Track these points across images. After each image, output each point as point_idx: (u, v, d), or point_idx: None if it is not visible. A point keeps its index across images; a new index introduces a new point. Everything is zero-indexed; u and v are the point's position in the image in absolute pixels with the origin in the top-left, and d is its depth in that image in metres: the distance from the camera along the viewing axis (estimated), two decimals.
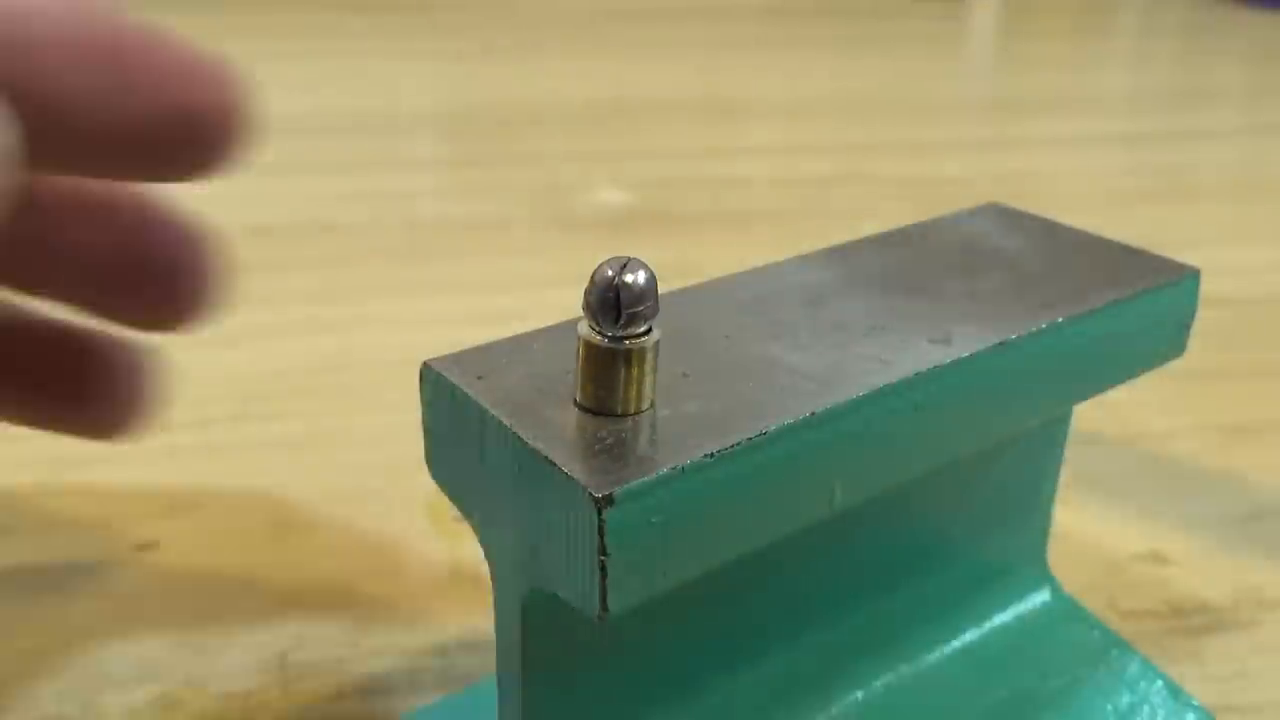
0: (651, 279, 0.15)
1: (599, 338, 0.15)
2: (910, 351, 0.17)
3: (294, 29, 0.87)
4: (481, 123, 0.66)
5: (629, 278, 0.14)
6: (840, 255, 0.20)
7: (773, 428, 0.15)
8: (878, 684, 0.21)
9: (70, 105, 0.16)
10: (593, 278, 0.15)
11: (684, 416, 0.15)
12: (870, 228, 0.22)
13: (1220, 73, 0.85)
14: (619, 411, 0.15)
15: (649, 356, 0.15)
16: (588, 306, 0.15)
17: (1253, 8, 1.00)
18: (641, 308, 0.14)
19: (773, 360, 0.17)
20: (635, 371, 0.15)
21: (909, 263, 0.20)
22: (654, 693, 0.18)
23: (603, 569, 0.13)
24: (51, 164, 0.17)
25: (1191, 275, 0.20)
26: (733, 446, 0.14)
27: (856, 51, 0.87)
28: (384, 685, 0.24)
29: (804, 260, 0.20)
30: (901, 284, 0.19)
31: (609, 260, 0.15)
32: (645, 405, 0.15)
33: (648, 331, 0.15)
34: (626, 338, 0.15)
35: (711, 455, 0.14)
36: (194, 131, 0.18)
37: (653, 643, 0.18)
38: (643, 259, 0.15)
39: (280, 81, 0.74)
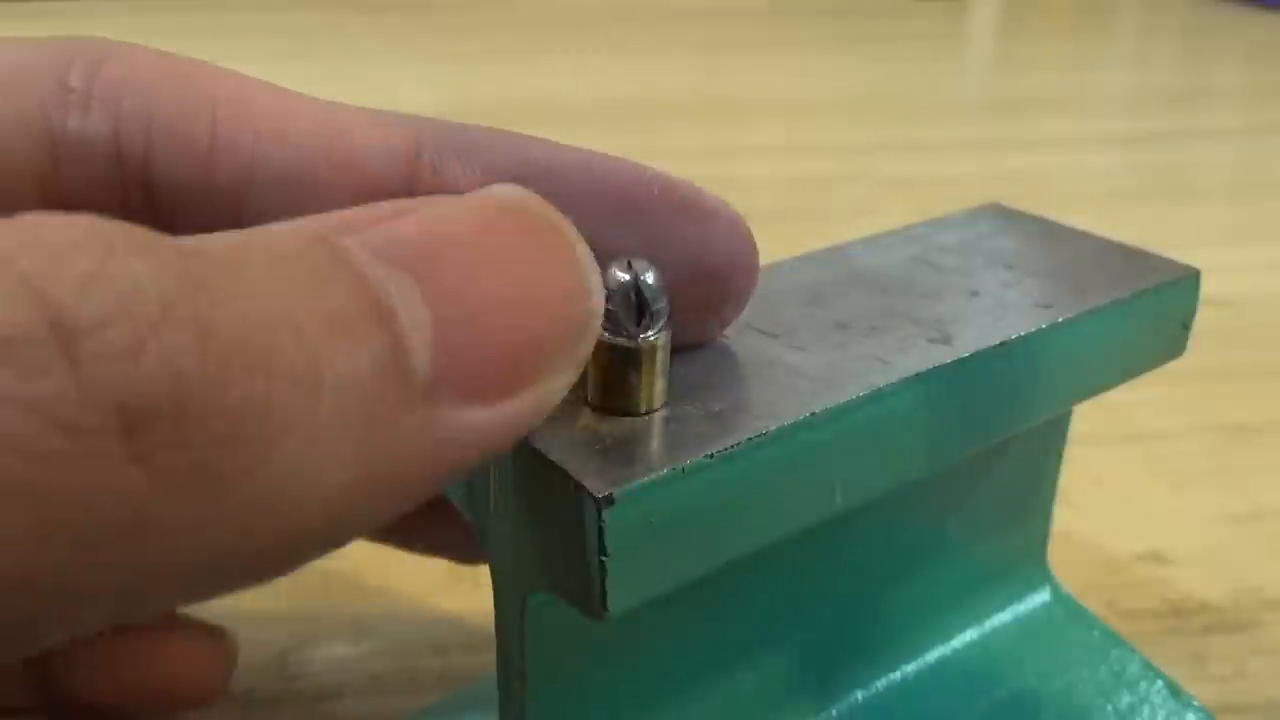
0: (662, 274, 0.15)
1: (620, 338, 0.15)
2: (910, 351, 0.17)
3: (294, 29, 0.87)
4: (482, 123, 0.66)
5: (647, 276, 0.14)
6: (840, 255, 0.20)
7: (773, 428, 0.15)
8: (878, 684, 0.21)
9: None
10: (605, 282, 0.15)
11: (684, 416, 0.15)
12: (870, 228, 0.22)
13: (1220, 73, 0.85)
14: (641, 410, 0.15)
15: (666, 351, 0.15)
16: (606, 310, 0.14)
17: (1253, 8, 1.00)
18: (663, 304, 0.14)
19: (773, 360, 0.17)
20: (657, 368, 0.15)
21: (909, 263, 0.20)
22: (654, 693, 0.18)
23: (603, 569, 0.13)
24: None
25: (1191, 275, 0.20)
26: (733, 446, 0.14)
27: (856, 51, 0.87)
28: (384, 685, 0.24)
29: (804, 260, 0.20)
30: (902, 284, 0.19)
31: (613, 261, 0.15)
32: (661, 401, 0.15)
33: (662, 328, 0.15)
34: (648, 336, 0.15)
35: (711, 455, 0.14)
36: (713, 292, 0.16)
37: (653, 643, 0.18)
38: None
39: (280, 81, 0.73)
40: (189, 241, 0.11)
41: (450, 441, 0.12)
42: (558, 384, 0.13)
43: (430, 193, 0.16)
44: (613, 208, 0.16)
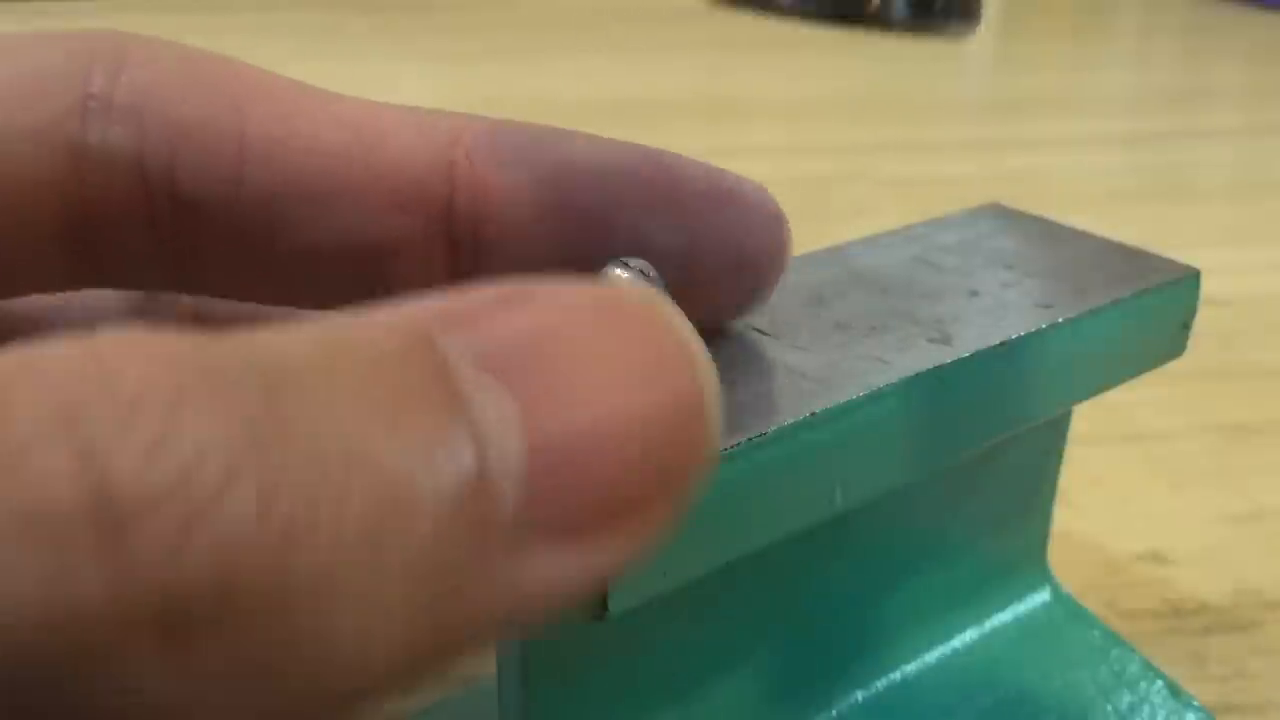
0: (662, 273, 0.15)
1: None
2: (910, 351, 0.17)
3: (294, 29, 0.87)
4: None
5: (650, 274, 0.15)
6: (840, 255, 0.20)
7: (773, 428, 0.15)
8: (878, 684, 0.21)
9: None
10: (607, 280, 0.15)
11: None
12: (870, 228, 0.22)
13: (1220, 73, 0.85)
14: None
15: None
16: None
17: (1253, 8, 1.00)
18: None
19: (773, 360, 0.17)
20: None
21: (909, 263, 0.20)
22: (654, 693, 0.18)
23: None
24: None
25: (1191, 275, 0.20)
26: (733, 446, 0.14)
27: (856, 51, 0.87)
28: None
29: (804, 260, 0.20)
30: (901, 284, 0.19)
31: (612, 261, 0.15)
32: None
33: None
34: None
35: None
36: (746, 282, 0.16)
37: (653, 643, 0.18)
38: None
39: None
40: (275, 343, 0.10)
41: (532, 589, 0.10)
42: (662, 521, 0.11)
43: (469, 198, 0.16)
44: (656, 203, 0.16)
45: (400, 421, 0.10)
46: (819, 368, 0.16)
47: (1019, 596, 0.23)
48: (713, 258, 0.16)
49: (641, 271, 0.15)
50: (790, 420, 0.15)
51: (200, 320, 0.20)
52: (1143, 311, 0.20)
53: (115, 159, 0.15)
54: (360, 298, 0.16)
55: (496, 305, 0.11)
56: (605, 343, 0.11)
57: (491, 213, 0.16)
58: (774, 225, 0.17)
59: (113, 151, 0.15)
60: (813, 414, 0.15)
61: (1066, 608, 0.24)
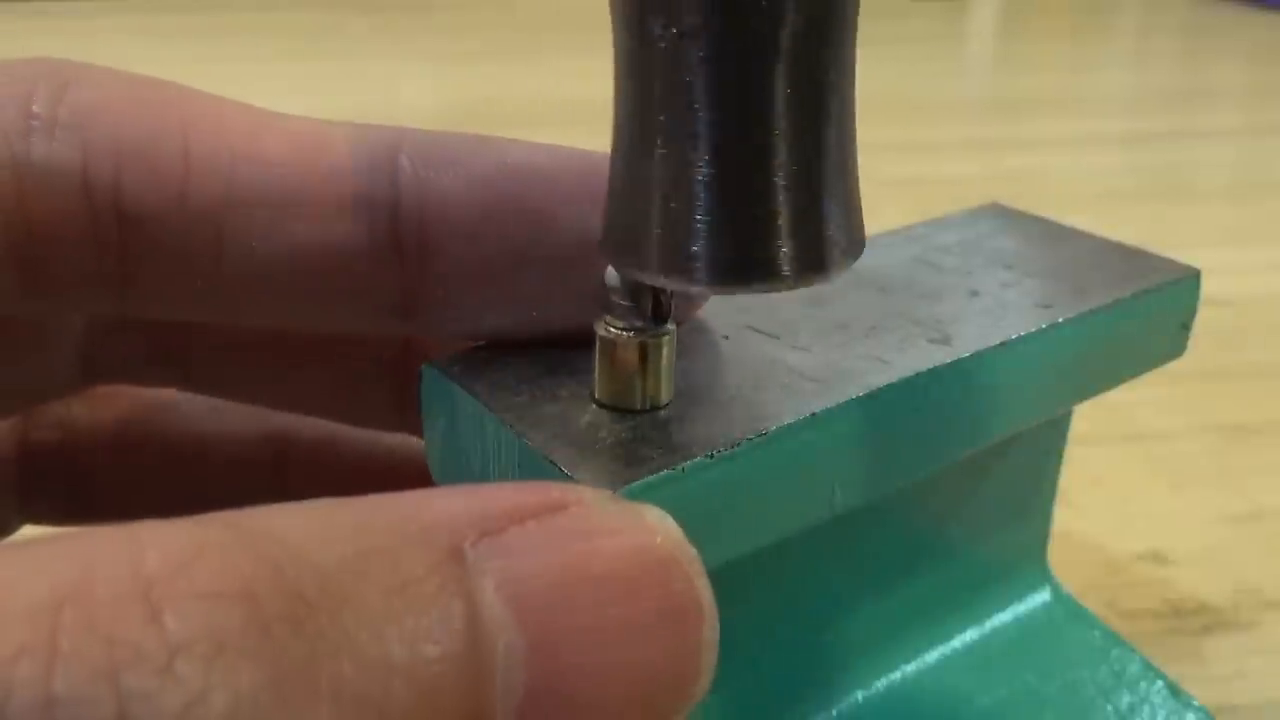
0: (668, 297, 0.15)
1: (630, 333, 0.15)
2: (910, 351, 0.17)
3: (294, 29, 0.87)
4: (481, 123, 0.66)
5: (659, 319, 0.15)
6: None
7: (773, 428, 0.15)
8: (878, 684, 0.21)
9: None
10: (611, 276, 0.15)
11: (684, 416, 0.15)
12: (870, 228, 0.22)
13: (1220, 73, 0.85)
14: (646, 406, 0.15)
15: (672, 347, 0.15)
16: (613, 304, 0.15)
17: (1253, 8, 1.00)
18: (671, 301, 0.15)
19: (773, 360, 0.17)
20: (663, 363, 0.15)
21: (909, 263, 0.20)
22: None
23: None
24: None
25: (1191, 275, 0.20)
26: (733, 446, 0.14)
27: (857, 51, 0.87)
28: None
29: None
30: (901, 284, 0.19)
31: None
32: (666, 398, 0.15)
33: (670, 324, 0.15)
34: (657, 329, 0.15)
35: (711, 455, 0.14)
36: None
37: None
38: None
39: (280, 81, 0.74)
40: (308, 549, 0.10)
41: None
42: None
43: (413, 202, 0.16)
44: (591, 197, 0.16)
45: (418, 652, 0.10)
46: (819, 368, 0.16)
47: (1019, 596, 0.23)
48: None
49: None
50: (790, 420, 0.15)
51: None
52: (1143, 311, 0.20)
53: (59, 177, 0.15)
54: (309, 311, 0.16)
55: (528, 514, 0.11)
56: (625, 599, 0.11)
57: (435, 215, 0.16)
58: None
59: (56, 169, 0.15)
60: (813, 414, 0.15)
61: (1066, 608, 0.24)
